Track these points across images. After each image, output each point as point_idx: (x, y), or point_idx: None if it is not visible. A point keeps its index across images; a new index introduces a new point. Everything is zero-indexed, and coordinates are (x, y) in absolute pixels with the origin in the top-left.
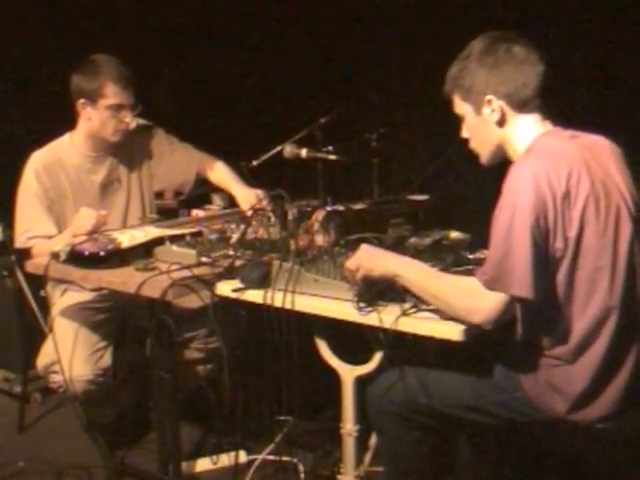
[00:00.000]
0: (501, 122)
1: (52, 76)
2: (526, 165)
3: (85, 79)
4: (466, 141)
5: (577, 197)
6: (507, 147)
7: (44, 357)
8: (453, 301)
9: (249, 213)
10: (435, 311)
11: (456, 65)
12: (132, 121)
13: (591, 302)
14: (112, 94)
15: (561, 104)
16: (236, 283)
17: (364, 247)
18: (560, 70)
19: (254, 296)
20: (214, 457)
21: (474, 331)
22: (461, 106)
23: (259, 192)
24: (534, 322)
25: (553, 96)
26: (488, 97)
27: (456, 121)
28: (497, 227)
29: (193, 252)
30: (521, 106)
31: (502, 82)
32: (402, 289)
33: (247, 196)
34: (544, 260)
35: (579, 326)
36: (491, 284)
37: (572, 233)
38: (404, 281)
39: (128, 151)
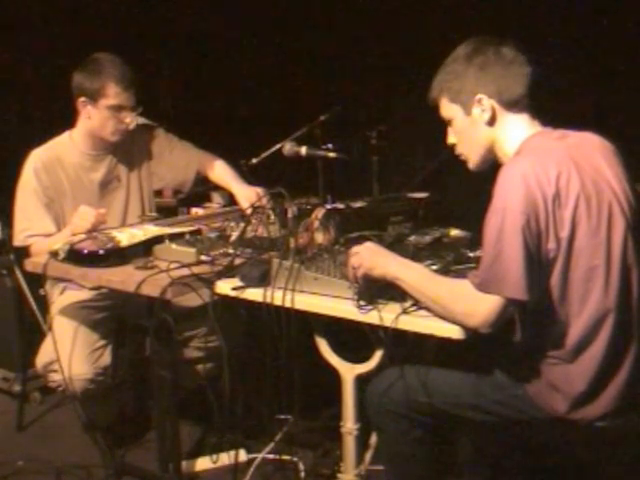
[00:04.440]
0: (491, 121)
1: (52, 74)
2: (516, 167)
3: (87, 78)
4: (453, 146)
5: (567, 197)
6: (497, 148)
7: (43, 356)
8: (450, 306)
9: (249, 211)
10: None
11: (443, 70)
12: (132, 122)
13: (587, 302)
14: (113, 95)
15: (560, 105)
16: (236, 281)
17: (368, 245)
18: (560, 71)
19: (254, 294)
20: (214, 456)
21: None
22: (449, 109)
23: (259, 190)
24: (532, 323)
25: (544, 97)
26: (479, 96)
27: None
28: (488, 230)
29: (192, 250)
30: (511, 105)
31: (492, 81)
32: (401, 290)
33: (247, 194)
34: (537, 261)
35: (577, 326)
36: (484, 287)
37: (564, 233)
38: (403, 284)
39: (128, 150)
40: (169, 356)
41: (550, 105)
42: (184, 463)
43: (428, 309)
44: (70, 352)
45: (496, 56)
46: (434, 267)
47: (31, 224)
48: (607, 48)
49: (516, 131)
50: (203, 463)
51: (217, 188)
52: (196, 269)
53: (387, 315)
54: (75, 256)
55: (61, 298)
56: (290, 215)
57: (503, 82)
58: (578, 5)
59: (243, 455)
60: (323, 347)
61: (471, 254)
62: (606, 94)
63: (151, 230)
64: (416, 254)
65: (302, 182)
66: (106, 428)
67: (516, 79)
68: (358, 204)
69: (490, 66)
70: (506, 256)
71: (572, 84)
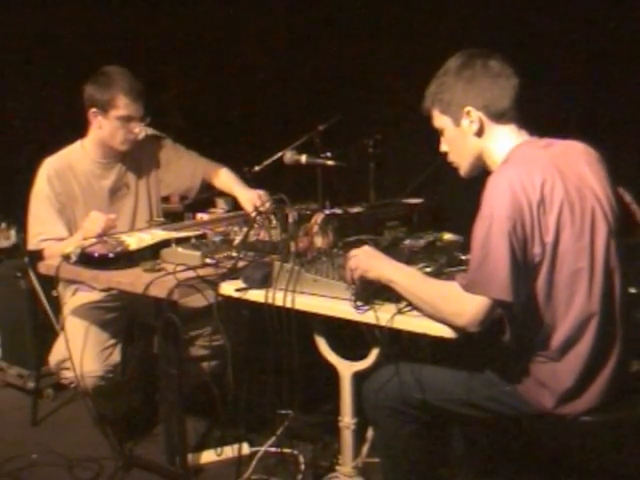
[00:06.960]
0: (479, 132)
1: (64, 86)
2: (502, 175)
3: (98, 90)
4: (446, 154)
5: (552, 203)
6: (485, 157)
7: (56, 354)
8: (440, 306)
9: (253, 213)
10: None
11: (434, 82)
12: (141, 132)
13: (573, 303)
14: (123, 106)
15: (553, 113)
16: (239, 283)
17: (365, 249)
18: (553, 82)
19: (256, 296)
20: (218, 449)
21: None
22: (440, 119)
23: (260, 192)
24: (520, 324)
25: (532, 107)
26: (467, 108)
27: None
28: (476, 234)
29: (198, 254)
30: (498, 117)
31: (480, 94)
32: (395, 292)
33: (249, 196)
34: (523, 265)
35: (563, 326)
36: (470, 288)
37: (549, 238)
38: (397, 286)
39: (137, 158)
40: (176, 354)
41: (537, 114)
42: (190, 456)
43: (420, 310)
44: (81, 350)
45: (484, 69)
46: (428, 269)
47: (44, 229)
48: (598, 56)
49: (503, 141)
50: (208, 456)
51: (221, 194)
52: (201, 271)
53: (383, 315)
54: (86, 259)
55: (73, 299)
56: (291, 220)
57: (490, 95)
58: (571, 12)
59: (246, 448)
60: (322, 346)
61: (463, 257)
62: (595, 102)
63: (159, 234)
64: (411, 257)
65: (302, 189)
66: (116, 422)
67: (503, 92)
68: (355, 209)
69: (477, 79)
70: (493, 259)
71: (560, 93)
